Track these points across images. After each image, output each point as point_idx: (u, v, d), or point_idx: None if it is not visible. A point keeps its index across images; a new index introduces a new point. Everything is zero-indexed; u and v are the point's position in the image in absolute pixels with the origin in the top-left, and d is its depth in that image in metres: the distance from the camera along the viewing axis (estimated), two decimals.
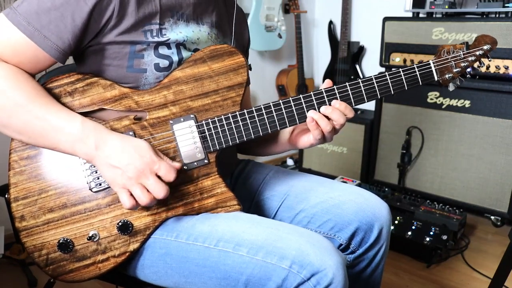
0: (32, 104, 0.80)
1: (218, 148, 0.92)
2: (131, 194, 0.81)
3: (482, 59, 0.99)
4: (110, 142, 0.81)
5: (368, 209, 1.02)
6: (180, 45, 0.93)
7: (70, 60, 0.96)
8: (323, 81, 3.64)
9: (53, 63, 0.86)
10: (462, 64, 0.98)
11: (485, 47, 0.98)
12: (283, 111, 0.93)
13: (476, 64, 0.99)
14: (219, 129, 0.92)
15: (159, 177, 0.81)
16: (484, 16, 2.23)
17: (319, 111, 0.93)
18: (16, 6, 0.81)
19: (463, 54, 0.98)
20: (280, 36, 3.03)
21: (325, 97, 0.94)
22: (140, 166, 0.79)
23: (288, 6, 3.17)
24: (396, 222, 2.10)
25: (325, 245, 0.83)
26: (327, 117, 0.93)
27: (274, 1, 2.94)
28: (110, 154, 0.80)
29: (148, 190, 0.80)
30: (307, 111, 0.94)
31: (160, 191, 0.80)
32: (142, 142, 0.83)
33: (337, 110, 0.93)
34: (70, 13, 0.81)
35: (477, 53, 0.98)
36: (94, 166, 0.87)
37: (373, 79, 0.96)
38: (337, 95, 0.95)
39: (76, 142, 0.81)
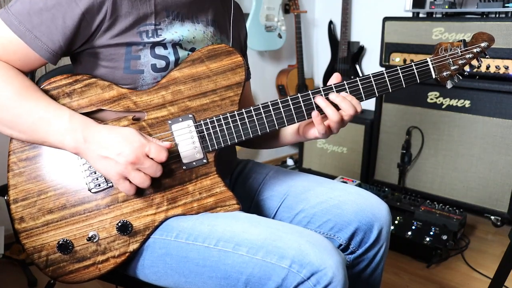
0: (21, 98, 0.80)
1: (216, 148, 0.92)
2: (129, 181, 0.82)
3: (480, 57, 0.99)
4: (98, 134, 0.81)
5: (367, 209, 1.02)
6: (176, 44, 0.92)
7: (70, 61, 0.96)
8: (323, 81, 3.63)
9: (43, 64, 0.86)
10: (460, 62, 0.98)
11: (482, 44, 0.98)
12: (281, 110, 0.93)
13: (473, 62, 0.99)
14: (218, 129, 0.92)
15: (151, 159, 0.83)
16: (484, 16, 2.23)
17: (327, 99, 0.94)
18: (9, 6, 0.82)
19: (461, 52, 0.99)
20: (280, 36, 3.03)
21: (323, 96, 0.94)
22: (131, 153, 0.80)
23: (288, 6, 3.17)
24: (396, 222, 2.10)
25: (325, 245, 0.83)
26: (335, 106, 0.94)
27: (274, 1, 2.94)
28: (99, 145, 0.81)
29: (144, 173, 0.82)
30: (307, 107, 0.94)
31: (156, 171, 0.83)
32: (129, 129, 0.83)
33: (347, 100, 0.93)
34: (61, 14, 0.81)
35: (475, 50, 0.98)
36: (92, 167, 0.87)
37: (371, 77, 0.96)
38: (335, 92, 0.95)
39: (64, 135, 0.81)
